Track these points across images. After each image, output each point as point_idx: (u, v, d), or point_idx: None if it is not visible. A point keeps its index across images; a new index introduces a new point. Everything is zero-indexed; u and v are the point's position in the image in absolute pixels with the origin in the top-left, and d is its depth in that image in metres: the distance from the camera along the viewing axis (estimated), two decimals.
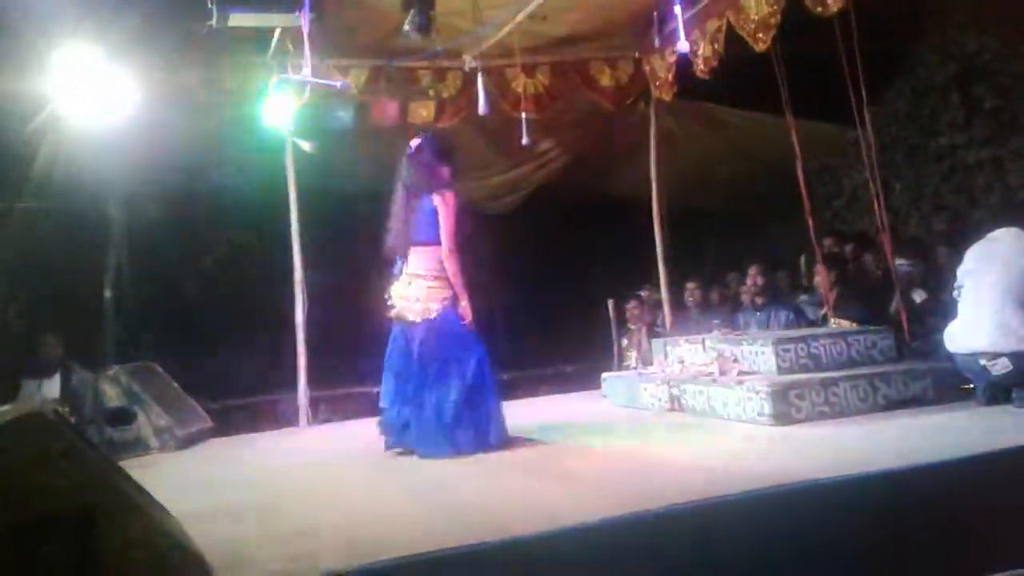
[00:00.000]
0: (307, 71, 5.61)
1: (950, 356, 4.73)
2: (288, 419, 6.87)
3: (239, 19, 5.46)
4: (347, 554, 2.73)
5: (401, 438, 4.77)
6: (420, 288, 4.81)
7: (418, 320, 4.79)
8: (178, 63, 6.31)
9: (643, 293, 8.47)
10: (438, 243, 4.80)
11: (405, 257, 4.93)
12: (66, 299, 7.21)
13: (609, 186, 9.38)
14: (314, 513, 3.51)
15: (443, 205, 4.79)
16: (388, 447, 4.84)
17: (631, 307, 8.51)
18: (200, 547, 2.71)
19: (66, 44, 5.43)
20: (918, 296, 6.12)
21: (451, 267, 4.79)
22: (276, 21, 5.64)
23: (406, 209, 4.91)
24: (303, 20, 5.37)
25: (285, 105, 6.08)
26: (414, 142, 5.04)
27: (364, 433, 6.08)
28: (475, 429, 4.65)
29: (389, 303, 4.93)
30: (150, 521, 2.60)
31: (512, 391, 7.38)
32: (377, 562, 2.59)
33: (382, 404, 4.93)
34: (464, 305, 4.82)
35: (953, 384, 4.84)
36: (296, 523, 3.30)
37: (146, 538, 2.54)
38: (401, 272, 4.93)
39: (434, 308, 4.78)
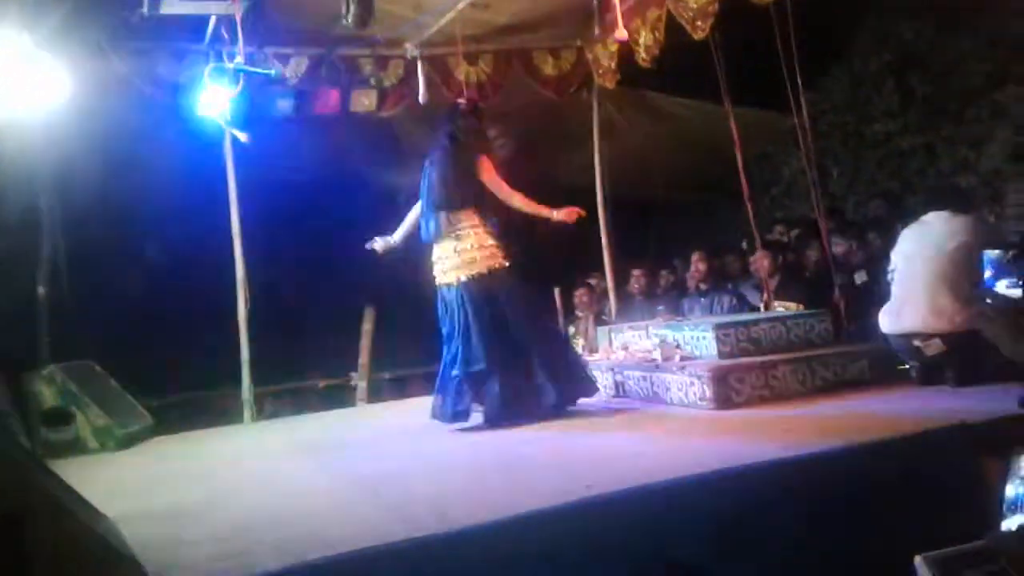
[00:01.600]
0: (240, 59, 5.50)
1: (885, 338, 4.83)
2: (231, 416, 6.77)
3: (172, 6, 5.35)
4: (283, 552, 2.69)
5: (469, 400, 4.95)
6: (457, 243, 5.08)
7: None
8: (111, 52, 6.14)
9: (592, 281, 8.51)
10: (481, 203, 5.13)
11: (445, 215, 5.13)
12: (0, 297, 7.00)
13: (554, 174, 9.35)
14: (251, 511, 3.46)
15: (486, 167, 5.13)
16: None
17: (579, 295, 8.54)
18: (135, 549, 2.66)
19: None
20: (859, 278, 6.24)
21: (520, 204, 5.18)
22: (210, 8, 5.53)
23: (454, 172, 5.16)
24: (236, 7, 5.26)
25: (220, 94, 5.95)
26: (463, 103, 5.52)
27: (307, 428, 6.06)
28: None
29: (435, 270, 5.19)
30: (81, 524, 2.54)
31: None
32: (312, 560, 2.56)
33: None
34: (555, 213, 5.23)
35: (890, 366, 4.95)
36: (233, 522, 3.25)
37: (77, 542, 2.48)
38: (439, 234, 5.12)
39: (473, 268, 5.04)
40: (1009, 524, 1.81)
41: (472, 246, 5.07)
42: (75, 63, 5.68)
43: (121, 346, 6.85)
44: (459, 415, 4.98)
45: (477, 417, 5.00)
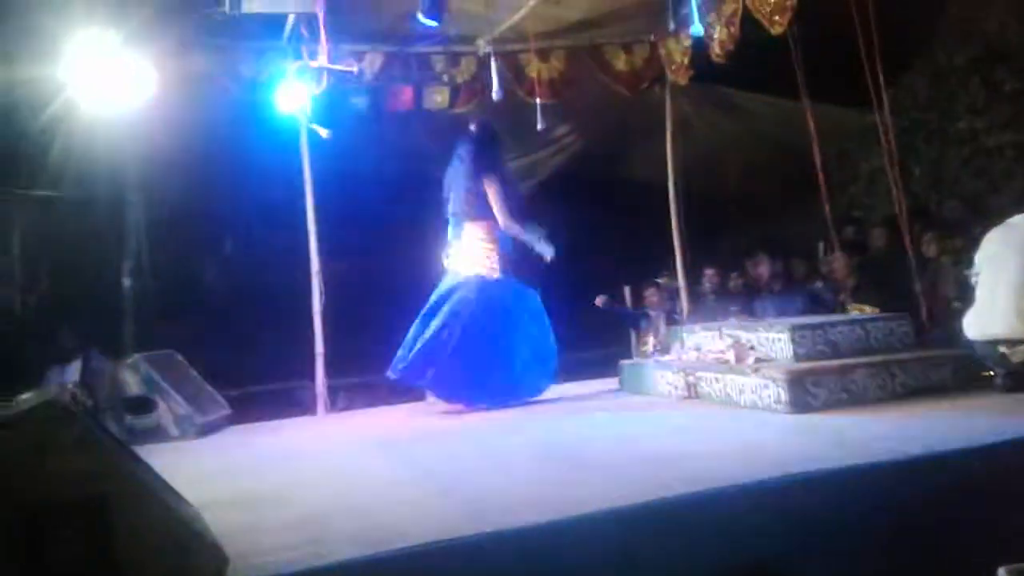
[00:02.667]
0: (322, 57, 5.60)
1: (969, 343, 4.68)
2: (306, 407, 6.90)
3: (253, 5, 5.47)
4: (360, 542, 2.74)
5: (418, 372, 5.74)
6: (475, 253, 5.89)
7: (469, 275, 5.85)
8: (193, 49, 6.31)
9: (661, 279, 8.44)
10: (489, 218, 5.84)
11: (462, 225, 5.92)
12: (85, 288, 7.25)
13: (625, 171, 9.34)
14: (329, 501, 3.51)
15: (489, 188, 5.81)
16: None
17: (649, 293, 8.49)
18: (216, 534, 2.73)
19: (80, 30, 5.42)
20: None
21: (513, 230, 5.87)
22: (290, 6, 5.64)
23: (464, 187, 5.86)
24: (317, 5, 5.35)
25: (301, 91, 6.07)
26: (474, 128, 6.12)
27: (381, 421, 6.13)
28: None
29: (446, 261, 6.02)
30: (166, 509, 2.61)
31: None
32: (389, 550, 2.60)
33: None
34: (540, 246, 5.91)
35: (974, 372, 4.79)
36: (310, 511, 3.31)
37: (162, 526, 2.54)
38: (459, 238, 5.94)
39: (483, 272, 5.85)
40: None
41: (473, 254, 5.89)
42: (160, 60, 5.86)
43: (202, 337, 7.04)
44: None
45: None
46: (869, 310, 5.78)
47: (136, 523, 2.49)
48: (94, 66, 5.67)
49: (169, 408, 5.81)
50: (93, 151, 6.72)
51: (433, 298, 5.93)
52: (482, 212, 5.85)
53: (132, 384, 5.87)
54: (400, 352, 5.85)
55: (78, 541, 2.39)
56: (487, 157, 5.94)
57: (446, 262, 6.04)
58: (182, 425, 5.80)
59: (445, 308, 5.80)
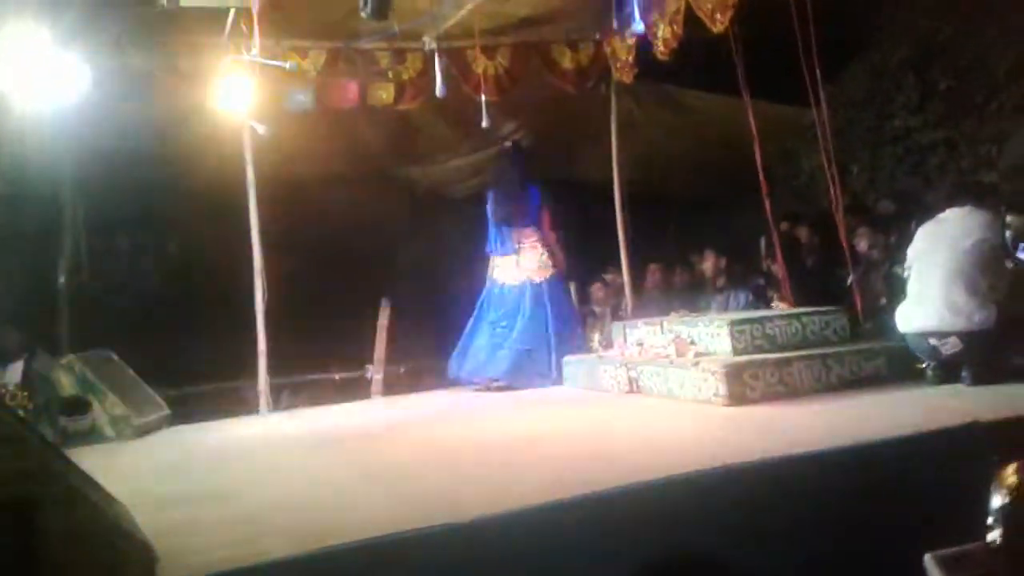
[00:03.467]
0: (256, 52, 5.53)
1: (901, 336, 4.79)
2: (248, 407, 6.81)
3: (191, 0, 5.37)
4: (295, 540, 2.72)
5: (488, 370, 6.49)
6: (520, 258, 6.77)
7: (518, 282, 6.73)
8: (130, 45, 6.18)
9: (607, 276, 8.49)
10: (537, 225, 6.76)
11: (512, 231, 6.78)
12: (21, 286, 7.08)
13: (571, 169, 9.36)
14: (265, 499, 3.49)
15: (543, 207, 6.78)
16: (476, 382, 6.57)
17: (595, 289, 8.54)
18: (147, 535, 2.69)
19: (10, 28, 5.28)
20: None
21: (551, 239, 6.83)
22: (228, 2, 5.55)
23: (514, 199, 6.76)
24: (252, 1, 5.29)
25: (240, 87, 5.99)
26: (507, 145, 7.22)
27: (321, 420, 6.09)
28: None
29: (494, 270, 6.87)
30: (95, 509, 2.56)
31: None
32: (325, 547, 2.58)
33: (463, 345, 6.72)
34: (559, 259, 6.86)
35: (907, 364, 4.90)
36: (246, 510, 3.28)
37: (91, 527, 2.50)
38: (504, 246, 6.81)
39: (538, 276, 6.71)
40: (992, 536, 1.79)
41: (532, 258, 6.73)
42: (94, 58, 5.72)
43: (139, 336, 6.91)
44: (487, 374, 6.53)
45: None
46: (785, 306, 5.91)
47: (63, 523, 2.45)
48: (26, 64, 5.52)
49: (104, 409, 5.70)
50: (27, 149, 6.56)
51: (495, 311, 6.77)
52: (532, 220, 6.75)
53: (67, 385, 5.75)
54: (475, 356, 6.70)
55: (4, 541, 2.34)
56: (530, 171, 6.92)
57: (498, 268, 6.86)
58: (118, 426, 5.69)
59: (518, 324, 6.61)
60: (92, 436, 5.64)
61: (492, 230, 6.95)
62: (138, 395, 6.12)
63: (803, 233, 7.04)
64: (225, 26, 6.20)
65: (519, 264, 6.77)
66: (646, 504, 2.95)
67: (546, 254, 6.78)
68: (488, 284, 6.94)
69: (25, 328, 6.17)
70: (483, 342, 6.70)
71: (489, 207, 6.91)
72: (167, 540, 2.76)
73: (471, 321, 6.86)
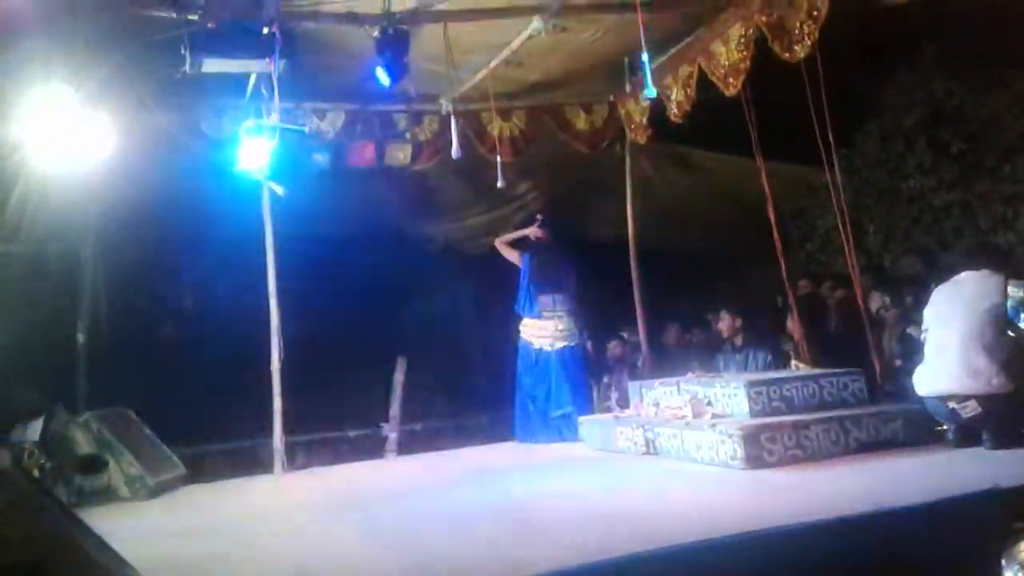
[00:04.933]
0: (275, 115, 5.64)
1: (920, 399, 4.73)
2: (264, 465, 6.79)
3: (213, 65, 5.49)
4: None
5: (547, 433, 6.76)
6: (558, 323, 7.01)
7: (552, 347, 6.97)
8: (154, 107, 6.32)
9: (624, 334, 8.47)
10: (567, 290, 7.03)
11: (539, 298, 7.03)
12: (40, 344, 7.14)
13: (586, 228, 9.42)
14: (278, 563, 3.45)
15: (570, 267, 7.13)
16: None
17: (612, 346, 8.51)
18: None
19: (39, 89, 5.41)
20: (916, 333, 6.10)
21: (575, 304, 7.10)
22: (250, 67, 5.67)
23: (557, 268, 7.08)
24: (272, 66, 5.40)
25: (259, 149, 6.09)
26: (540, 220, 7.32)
27: (338, 479, 6.06)
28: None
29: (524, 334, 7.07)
30: (103, 572, 2.55)
31: (495, 430, 7.43)
32: None
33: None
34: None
35: (925, 426, 4.84)
36: (258, 573, 3.25)
37: None
38: (535, 310, 7.03)
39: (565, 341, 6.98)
40: None
41: (566, 324, 6.98)
42: (120, 118, 5.85)
43: (157, 395, 6.92)
44: (546, 438, 6.71)
45: None
46: (803, 367, 5.88)
47: None
48: (54, 124, 5.64)
49: (120, 468, 5.69)
50: (51, 208, 6.67)
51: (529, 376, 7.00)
52: (569, 286, 7.05)
53: (83, 443, 5.75)
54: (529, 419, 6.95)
55: None
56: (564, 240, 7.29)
57: (533, 332, 7.04)
58: (133, 485, 5.68)
59: (567, 387, 6.88)
60: (107, 495, 5.63)
61: (523, 291, 7.10)
62: (154, 454, 6.11)
63: (838, 293, 7.00)
64: (247, 89, 6.36)
65: (556, 329, 6.98)
66: (660, 573, 2.90)
67: (576, 320, 7.06)
68: (521, 344, 7.11)
69: (44, 386, 6.19)
70: (532, 408, 6.97)
71: (525, 270, 7.12)
72: None
73: (517, 387, 7.06)
